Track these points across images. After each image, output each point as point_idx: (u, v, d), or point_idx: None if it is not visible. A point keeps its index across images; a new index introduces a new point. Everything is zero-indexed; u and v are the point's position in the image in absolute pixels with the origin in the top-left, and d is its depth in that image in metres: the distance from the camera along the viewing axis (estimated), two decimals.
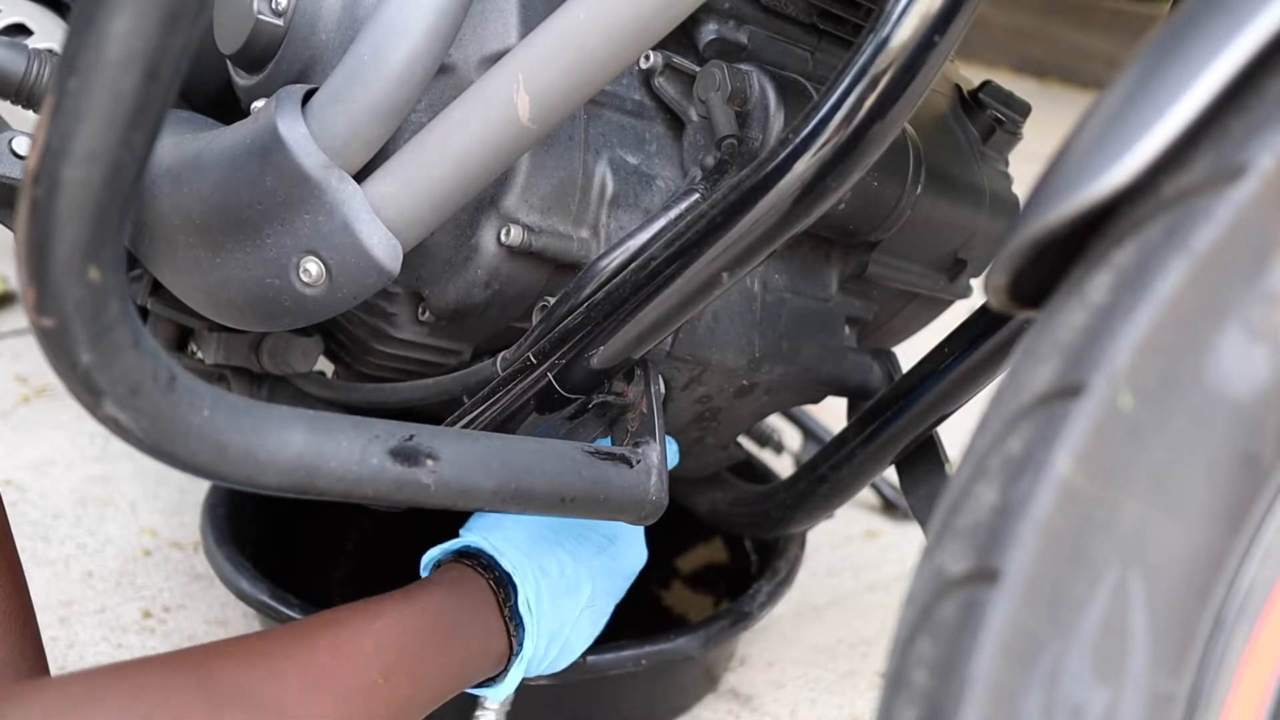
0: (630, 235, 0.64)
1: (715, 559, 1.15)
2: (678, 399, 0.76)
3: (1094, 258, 0.36)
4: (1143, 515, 0.32)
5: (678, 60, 0.70)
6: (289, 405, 0.55)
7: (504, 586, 0.68)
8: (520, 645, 0.68)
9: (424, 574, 0.73)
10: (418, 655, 0.61)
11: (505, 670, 0.69)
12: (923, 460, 0.76)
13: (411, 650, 0.61)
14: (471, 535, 0.71)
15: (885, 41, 0.50)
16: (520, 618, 0.68)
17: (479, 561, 0.69)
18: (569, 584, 0.71)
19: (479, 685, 0.69)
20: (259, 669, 0.55)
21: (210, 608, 1.04)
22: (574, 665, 0.79)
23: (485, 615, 0.67)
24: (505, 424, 0.66)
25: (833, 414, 1.04)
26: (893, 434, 0.74)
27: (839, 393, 0.85)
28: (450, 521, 0.73)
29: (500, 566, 0.69)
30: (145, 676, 0.51)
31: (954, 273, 0.88)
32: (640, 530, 0.79)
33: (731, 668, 1.03)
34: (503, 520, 0.72)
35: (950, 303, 0.93)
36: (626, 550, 0.78)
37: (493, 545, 0.69)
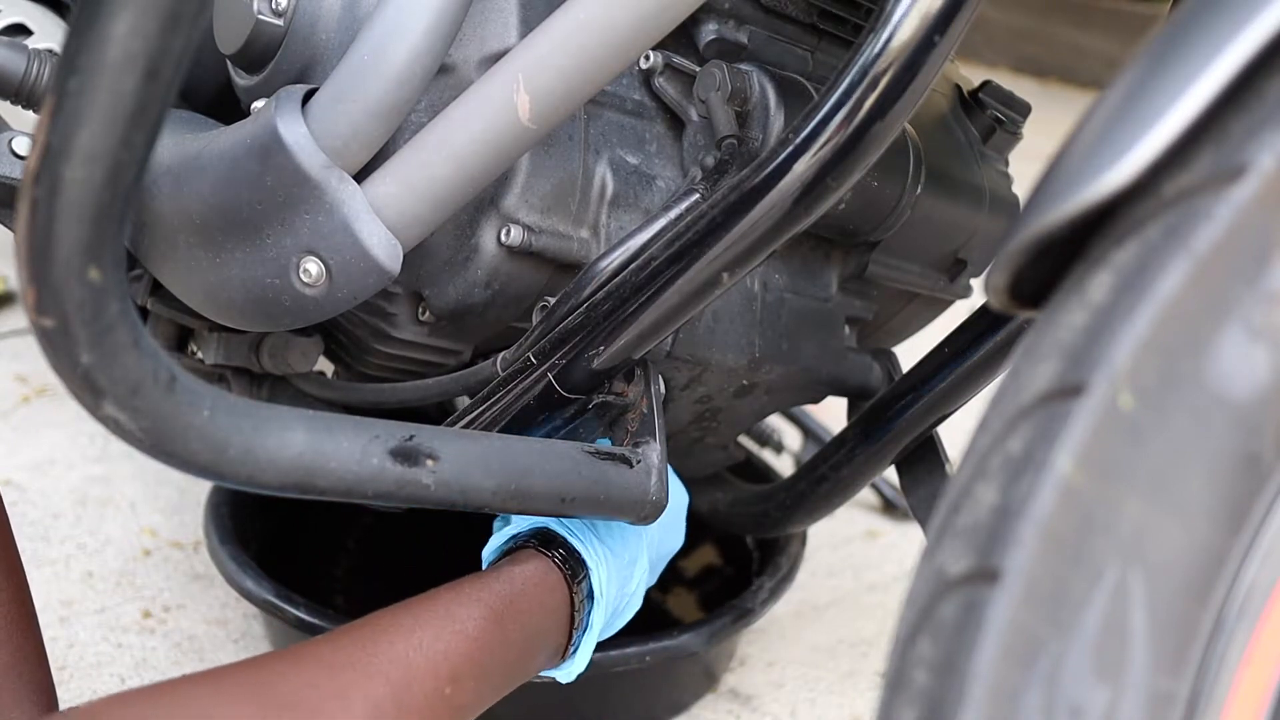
0: (630, 235, 0.64)
1: (713, 561, 1.15)
2: (678, 399, 0.76)
3: (1094, 258, 0.36)
4: (1143, 515, 0.32)
5: (678, 60, 0.70)
6: (289, 405, 0.55)
7: (576, 566, 0.67)
8: (588, 623, 0.68)
9: (486, 562, 0.71)
10: (485, 659, 0.60)
11: (572, 650, 0.68)
12: (923, 460, 0.76)
13: (479, 655, 0.59)
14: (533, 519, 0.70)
15: (885, 41, 0.50)
16: (592, 598, 0.68)
17: (547, 542, 0.68)
18: (629, 559, 0.71)
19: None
20: (321, 685, 0.52)
21: (210, 607, 1.04)
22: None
23: (554, 602, 0.66)
24: (505, 424, 0.66)
25: (833, 414, 1.04)
26: (893, 434, 0.74)
27: (839, 393, 0.85)
28: (453, 519, 0.73)
29: (572, 548, 0.68)
30: (196, 693, 0.49)
31: (954, 273, 0.88)
32: (683, 510, 0.81)
33: (731, 668, 1.03)
34: None
35: (950, 303, 0.93)
36: (672, 529, 0.78)
37: (565, 526, 0.69)
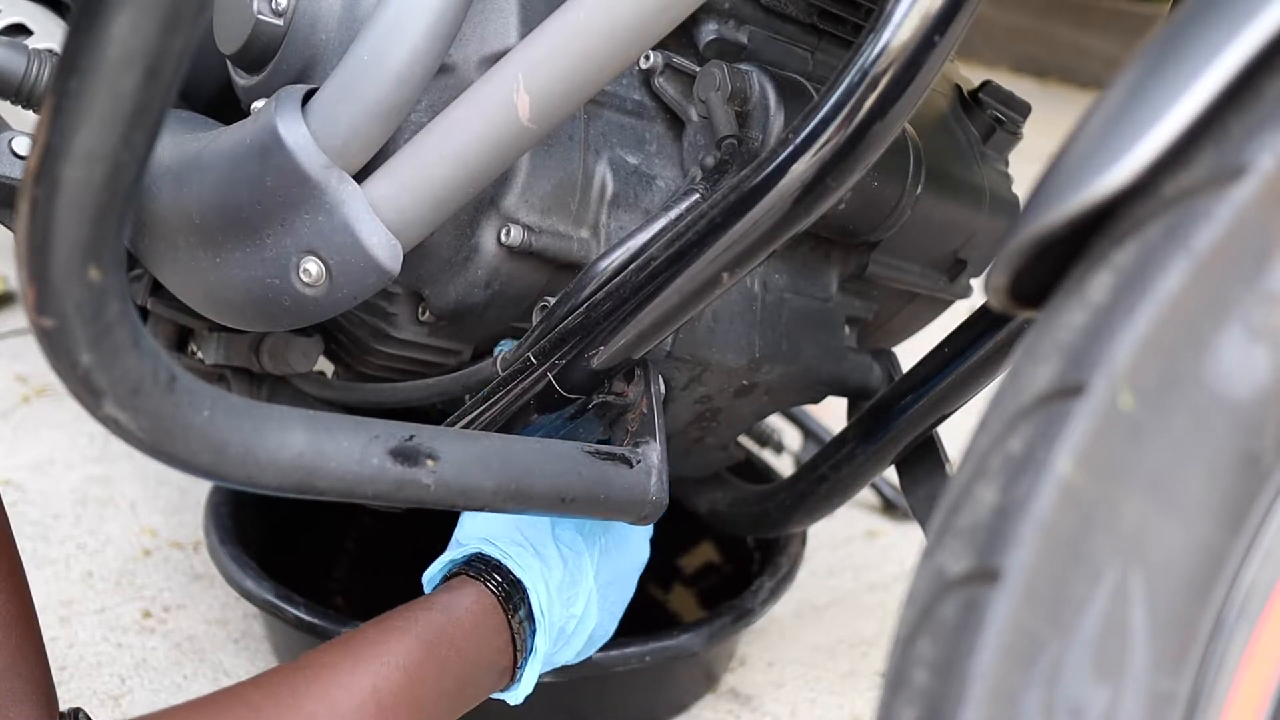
0: (630, 235, 0.64)
1: (714, 560, 1.15)
2: (678, 399, 0.76)
3: (1094, 257, 0.36)
4: (1143, 515, 0.32)
5: (678, 60, 0.70)
6: (289, 405, 0.55)
7: (512, 591, 0.67)
8: (531, 647, 0.68)
9: (428, 589, 0.71)
10: (417, 689, 0.61)
11: (518, 674, 0.68)
12: (923, 460, 0.76)
13: (410, 685, 0.60)
14: (473, 541, 0.70)
15: (885, 41, 0.50)
16: (533, 620, 0.68)
17: (484, 567, 0.68)
18: (572, 574, 0.71)
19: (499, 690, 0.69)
20: None
21: (210, 608, 1.04)
22: (578, 662, 0.79)
23: (489, 630, 0.66)
24: (505, 424, 0.66)
25: (833, 414, 1.04)
26: (893, 434, 0.74)
27: (839, 393, 0.85)
28: (451, 520, 0.73)
29: (508, 571, 0.68)
30: None
31: (954, 273, 0.88)
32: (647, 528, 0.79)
33: (731, 668, 1.03)
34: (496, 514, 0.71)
35: (950, 303, 0.93)
36: (625, 537, 0.76)
37: (501, 550, 0.68)
